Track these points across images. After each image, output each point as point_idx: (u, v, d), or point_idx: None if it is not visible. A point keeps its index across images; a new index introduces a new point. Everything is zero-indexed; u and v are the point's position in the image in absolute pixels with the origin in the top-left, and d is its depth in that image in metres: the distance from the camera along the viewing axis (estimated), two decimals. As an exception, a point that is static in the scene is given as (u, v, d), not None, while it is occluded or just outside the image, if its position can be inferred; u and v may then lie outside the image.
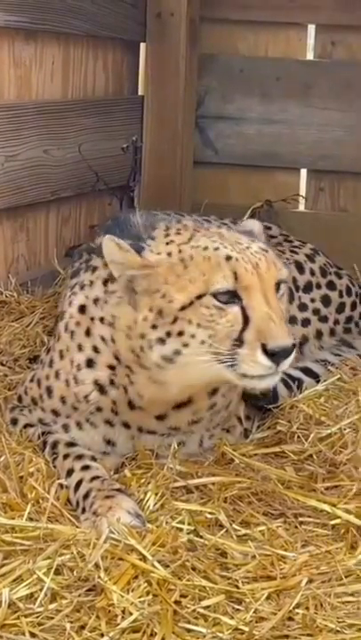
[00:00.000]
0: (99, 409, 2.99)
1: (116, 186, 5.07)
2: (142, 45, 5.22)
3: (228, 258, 2.77)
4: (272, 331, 2.71)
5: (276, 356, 2.71)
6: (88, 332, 2.99)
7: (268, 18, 5.26)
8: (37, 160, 4.42)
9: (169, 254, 2.82)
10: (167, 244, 2.85)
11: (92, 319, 2.99)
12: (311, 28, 5.31)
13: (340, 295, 3.99)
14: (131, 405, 2.97)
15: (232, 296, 2.75)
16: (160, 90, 5.20)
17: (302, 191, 5.35)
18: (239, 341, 2.73)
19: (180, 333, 2.77)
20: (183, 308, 2.76)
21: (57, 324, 3.17)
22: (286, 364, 2.75)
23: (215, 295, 2.75)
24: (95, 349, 2.97)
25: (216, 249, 2.79)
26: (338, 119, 5.25)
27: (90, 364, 2.98)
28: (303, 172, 5.39)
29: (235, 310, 2.74)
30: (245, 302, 2.75)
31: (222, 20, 5.31)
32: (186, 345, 2.77)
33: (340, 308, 3.98)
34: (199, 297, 2.75)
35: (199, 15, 5.24)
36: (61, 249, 4.72)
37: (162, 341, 2.80)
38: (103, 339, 2.96)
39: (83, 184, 4.79)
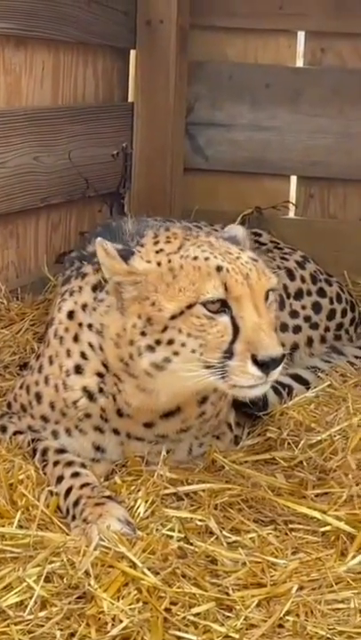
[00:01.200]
0: (87, 415, 2.99)
1: (106, 192, 5.07)
2: (132, 52, 5.23)
3: (219, 268, 2.77)
4: (262, 341, 2.71)
5: (266, 366, 2.71)
6: (76, 338, 2.99)
7: (258, 25, 5.27)
8: (27, 167, 4.41)
9: (158, 263, 2.82)
10: (157, 252, 2.85)
11: (80, 325, 2.99)
12: (301, 35, 5.31)
13: (331, 302, 4.00)
14: (119, 413, 2.97)
15: (222, 305, 2.75)
16: (150, 97, 5.20)
17: (292, 198, 5.36)
18: (229, 353, 2.73)
19: (171, 342, 2.77)
20: (173, 317, 2.76)
21: (47, 331, 3.17)
22: (276, 374, 2.76)
23: (205, 304, 2.75)
24: (83, 356, 2.97)
25: (206, 259, 2.79)
26: (328, 126, 5.25)
27: (78, 370, 2.98)
28: (293, 178, 5.39)
29: (225, 320, 2.74)
30: (235, 312, 2.75)
31: (212, 27, 5.32)
32: (176, 353, 2.77)
33: (331, 315, 3.99)
34: (190, 306, 2.75)
35: (189, 22, 5.24)
36: (51, 256, 4.71)
37: (151, 349, 2.80)
38: (91, 346, 2.96)
39: (73, 191, 4.79)
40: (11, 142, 4.29)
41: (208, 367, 2.74)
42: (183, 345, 2.76)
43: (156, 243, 2.87)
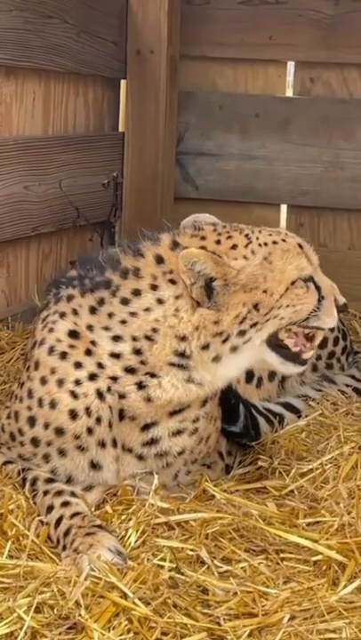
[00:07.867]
0: (98, 420, 2.97)
1: (96, 222, 5.08)
2: (123, 82, 5.25)
3: (300, 246, 3.09)
4: (338, 290, 3.13)
5: (339, 310, 3.14)
6: (89, 352, 2.99)
7: (248, 55, 5.30)
8: (18, 196, 4.42)
9: (245, 257, 3.00)
10: (232, 248, 3.01)
11: (94, 342, 2.98)
12: (290, 65, 5.35)
13: (322, 330, 3.99)
14: (121, 415, 2.97)
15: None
16: (140, 126, 5.22)
17: (282, 227, 5.37)
18: (319, 304, 3.08)
19: (267, 320, 3.00)
20: (280, 297, 2.99)
21: (30, 356, 3.14)
22: None
23: (302, 278, 3.06)
24: (100, 365, 2.98)
25: (283, 240, 3.08)
26: (317, 155, 5.28)
27: (92, 377, 2.98)
28: (283, 207, 5.42)
29: (313, 286, 3.08)
30: (315, 278, 3.09)
31: (202, 57, 5.35)
32: (260, 330, 3.01)
33: (323, 344, 3.98)
34: (293, 282, 3.04)
35: (179, 52, 5.27)
36: (42, 285, 4.71)
37: (255, 326, 2.99)
38: (115, 355, 2.97)
39: (63, 220, 4.80)
40: (1, 172, 4.30)
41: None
42: (275, 317, 3.03)
43: (219, 242, 3.02)
